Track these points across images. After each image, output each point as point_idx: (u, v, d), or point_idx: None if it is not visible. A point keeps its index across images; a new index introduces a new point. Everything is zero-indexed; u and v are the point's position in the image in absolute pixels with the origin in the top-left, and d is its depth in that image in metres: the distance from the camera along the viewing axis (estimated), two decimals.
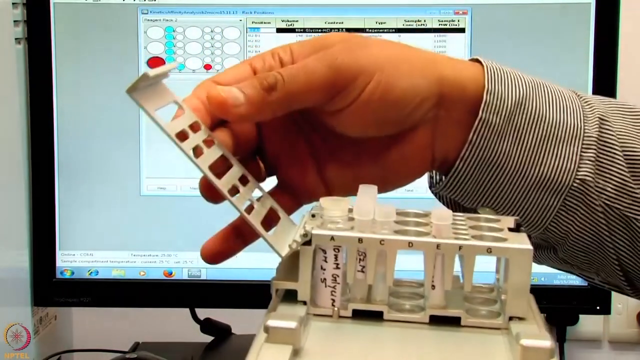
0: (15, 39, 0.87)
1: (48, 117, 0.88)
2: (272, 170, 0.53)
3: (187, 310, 0.98)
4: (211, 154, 0.47)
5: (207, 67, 0.88)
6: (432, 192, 0.55)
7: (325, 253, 0.45)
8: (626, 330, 1.14)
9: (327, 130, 0.51)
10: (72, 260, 0.90)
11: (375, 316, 0.45)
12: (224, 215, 0.89)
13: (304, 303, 0.45)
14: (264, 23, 0.88)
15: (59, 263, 0.90)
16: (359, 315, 0.45)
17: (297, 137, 0.52)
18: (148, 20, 0.88)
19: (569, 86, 0.87)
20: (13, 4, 0.87)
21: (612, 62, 0.86)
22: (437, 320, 0.45)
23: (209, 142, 0.48)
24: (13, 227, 0.88)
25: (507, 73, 0.51)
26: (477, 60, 0.52)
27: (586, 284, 0.89)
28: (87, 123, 0.89)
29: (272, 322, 0.40)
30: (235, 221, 0.51)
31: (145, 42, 0.88)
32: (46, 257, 0.90)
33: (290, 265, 0.46)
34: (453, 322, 0.45)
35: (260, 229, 0.48)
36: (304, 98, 0.47)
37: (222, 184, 0.47)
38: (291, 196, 0.53)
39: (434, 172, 0.55)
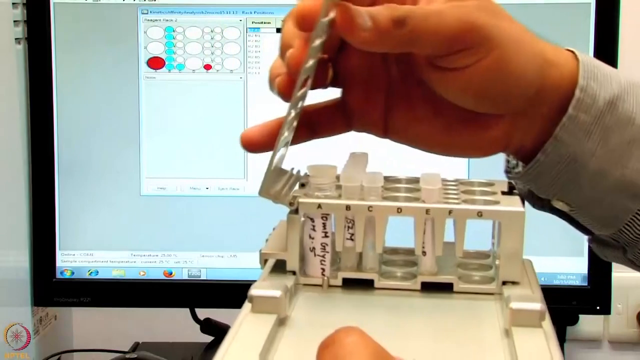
0: (15, 39, 0.87)
1: (48, 117, 0.88)
2: (340, 84, 0.50)
3: (187, 310, 0.98)
4: (313, 52, 0.45)
5: (207, 67, 0.88)
6: (507, 178, 0.54)
7: (313, 222, 0.44)
8: (626, 330, 1.14)
9: (414, 79, 0.49)
10: (72, 260, 0.90)
11: (366, 285, 0.45)
12: (223, 216, 0.90)
13: (294, 273, 0.44)
14: (264, 23, 0.88)
15: (59, 263, 0.90)
16: (350, 284, 0.45)
17: (381, 68, 0.50)
18: (148, 20, 0.88)
19: None
20: (13, 4, 0.87)
21: (611, 62, 0.85)
22: (429, 287, 0.44)
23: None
24: (13, 227, 0.88)
25: (601, 70, 0.49)
26: (570, 51, 0.50)
27: (586, 284, 0.89)
28: (87, 123, 0.89)
29: (255, 291, 0.40)
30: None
31: (145, 42, 0.88)
32: (46, 257, 0.90)
33: (279, 235, 0.46)
34: (445, 288, 0.44)
35: (277, 155, 0.45)
36: (428, 43, 0.45)
37: (297, 84, 0.44)
38: (344, 119, 0.50)
39: (510, 156, 0.53)
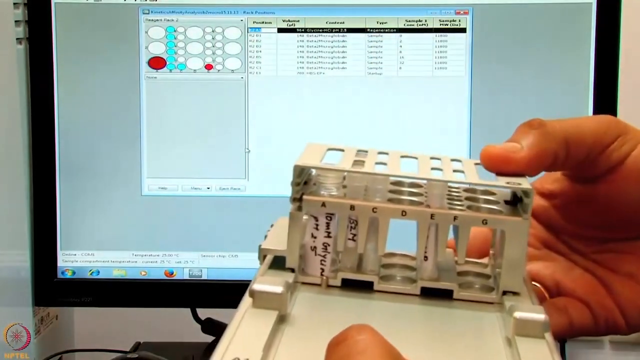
0: (17, 38, 0.87)
1: (49, 116, 0.88)
2: None
3: (188, 310, 0.98)
4: None
5: (209, 67, 0.88)
6: None
7: (317, 220, 0.44)
8: None
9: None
10: (73, 260, 0.90)
11: (365, 287, 0.44)
12: (224, 216, 0.90)
13: (292, 271, 0.44)
14: (265, 23, 0.88)
15: (60, 263, 0.90)
16: (349, 285, 0.44)
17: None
18: (149, 20, 0.88)
19: (569, 86, 0.87)
20: (14, 4, 0.87)
21: (613, 62, 0.86)
22: (428, 293, 0.44)
23: None
24: (14, 227, 0.88)
25: None
26: None
27: None
28: (88, 123, 0.89)
29: (257, 286, 0.39)
30: None
31: (146, 42, 0.88)
32: (47, 257, 0.90)
33: (278, 232, 0.45)
34: (445, 295, 0.44)
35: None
36: (577, 142, 0.47)
37: None
38: None
39: None
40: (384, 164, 0.45)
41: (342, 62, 0.87)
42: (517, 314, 0.38)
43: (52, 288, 0.90)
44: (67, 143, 0.89)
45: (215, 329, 1.01)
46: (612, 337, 1.15)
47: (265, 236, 0.46)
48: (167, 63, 0.88)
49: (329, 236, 0.44)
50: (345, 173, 0.45)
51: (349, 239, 0.44)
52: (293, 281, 0.43)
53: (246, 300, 0.39)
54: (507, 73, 0.87)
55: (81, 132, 0.89)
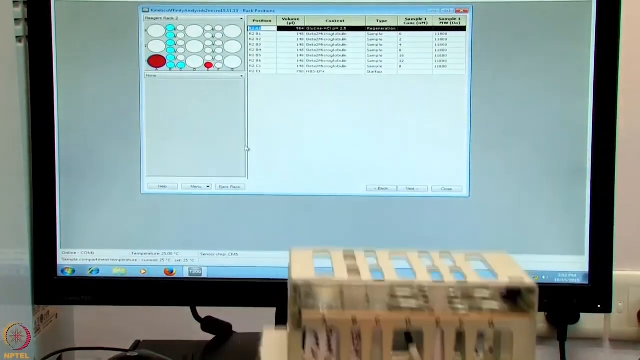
0: (16, 37, 0.87)
1: (49, 115, 0.88)
2: None
3: (187, 309, 0.98)
4: None
5: (208, 65, 0.88)
6: None
7: (317, 337, 0.42)
8: (627, 328, 1.14)
9: None
10: (73, 258, 0.90)
11: None
12: (224, 214, 0.90)
13: None
14: (265, 21, 0.87)
15: (60, 261, 0.90)
16: None
17: None
18: (149, 18, 0.88)
19: (569, 85, 0.87)
20: (14, 2, 0.86)
21: (613, 61, 0.85)
22: None
23: None
24: (14, 225, 0.88)
25: None
26: None
27: (587, 283, 0.88)
28: (87, 121, 0.89)
29: None
30: None
31: (146, 40, 0.88)
32: (47, 256, 0.90)
33: (272, 349, 0.43)
34: None
35: None
36: None
37: None
38: None
39: None
40: (379, 268, 0.43)
41: (342, 61, 0.87)
42: None
43: (51, 286, 0.90)
44: (66, 142, 0.89)
45: (215, 328, 1.01)
46: (612, 335, 1.15)
47: (259, 358, 0.44)
48: (167, 61, 0.88)
49: (330, 351, 0.42)
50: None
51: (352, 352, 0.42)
52: None
53: None
54: (507, 71, 0.86)
55: (81, 130, 0.89)
